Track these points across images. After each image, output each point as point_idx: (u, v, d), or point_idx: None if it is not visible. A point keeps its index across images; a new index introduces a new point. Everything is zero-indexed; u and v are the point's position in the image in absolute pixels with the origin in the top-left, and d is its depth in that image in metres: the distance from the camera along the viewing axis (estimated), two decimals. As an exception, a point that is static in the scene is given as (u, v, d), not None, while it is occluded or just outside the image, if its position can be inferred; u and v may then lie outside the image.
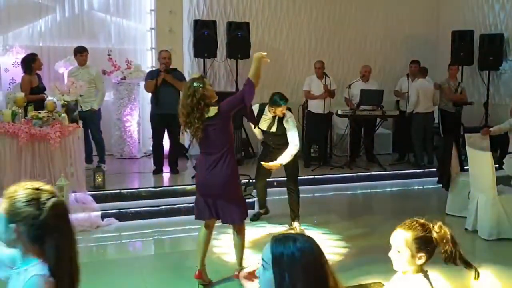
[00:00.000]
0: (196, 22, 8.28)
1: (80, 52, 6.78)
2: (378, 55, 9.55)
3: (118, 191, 5.93)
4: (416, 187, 7.91)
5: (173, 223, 5.70)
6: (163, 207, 5.76)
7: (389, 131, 9.35)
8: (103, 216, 5.47)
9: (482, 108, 8.83)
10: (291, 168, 5.39)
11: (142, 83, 8.04)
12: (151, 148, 8.33)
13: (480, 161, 5.16)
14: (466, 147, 5.57)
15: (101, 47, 8.13)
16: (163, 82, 6.56)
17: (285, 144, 5.18)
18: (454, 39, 9.06)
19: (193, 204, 5.78)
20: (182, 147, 7.58)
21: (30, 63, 6.53)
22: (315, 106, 8.01)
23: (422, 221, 2.21)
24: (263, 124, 5.33)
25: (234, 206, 3.96)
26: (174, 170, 6.89)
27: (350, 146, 8.27)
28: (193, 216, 5.70)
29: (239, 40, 8.36)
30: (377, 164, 8.21)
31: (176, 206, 5.81)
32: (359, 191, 7.61)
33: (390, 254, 2.20)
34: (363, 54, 9.51)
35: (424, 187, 7.93)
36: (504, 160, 6.06)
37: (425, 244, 2.14)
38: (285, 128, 5.14)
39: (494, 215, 5.03)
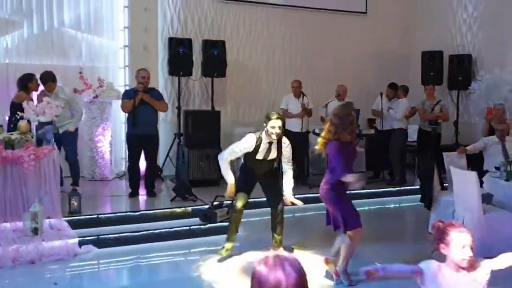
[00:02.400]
0: (171, 39, 8.15)
1: (52, 80, 6.43)
2: (351, 74, 9.62)
3: (95, 216, 5.65)
4: (392, 206, 7.95)
5: (154, 249, 5.45)
6: (144, 232, 5.51)
7: (362, 149, 9.41)
8: (81, 243, 5.18)
9: (452, 126, 9.03)
10: (277, 187, 5.27)
11: (115, 102, 7.83)
12: (123, 170, 8.16)
13: (464, 181, 5.21)
14: (450, 167, 5.62)
15: (71, 65, 7.86)
16: (141, 101, 6.36)
17: (270, 169, 5.16)
18: (424, 59, 9.28)
19: (175, 228, 5.67)
20: (158, 168, 7.35)
21: (26, 82, 6.24)
22: (293, 125, 7.97)
23: None
24: (260, 155, 5.12)
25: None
26: (151, 193, 6.66)
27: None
28: (175, 242, 5.61)
29: (215, 58, 8.27)
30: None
31: (157, 231, 5.57)
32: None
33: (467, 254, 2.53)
34: (337, 73, 9.58)
35: (400, 205, 7.99)
36: (483, 179, 6.15)
37: None
38: (281, 154, 5.01)
39: (480, 235, 5.05)
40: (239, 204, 5.04)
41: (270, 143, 5.00)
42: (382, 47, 10.07)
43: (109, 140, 7.74)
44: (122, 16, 8.08)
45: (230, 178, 4.99)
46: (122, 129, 8.22)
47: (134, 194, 6.59)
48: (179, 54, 8.03)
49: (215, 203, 6.19)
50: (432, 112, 8.31)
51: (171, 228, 5.64)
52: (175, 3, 8.52)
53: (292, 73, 9.45)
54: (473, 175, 5.09)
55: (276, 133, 4.96)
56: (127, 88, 7.82)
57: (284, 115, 8.09)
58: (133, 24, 7.78)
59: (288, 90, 9.32)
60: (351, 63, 9.81)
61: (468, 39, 9.16)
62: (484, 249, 5.05)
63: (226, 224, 5.86)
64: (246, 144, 4.95)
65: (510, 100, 7.83)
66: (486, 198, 5.65)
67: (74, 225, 5.40)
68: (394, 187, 8.17)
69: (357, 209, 7.37)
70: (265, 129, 4.92)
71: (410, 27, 10.19)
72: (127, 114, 7.27)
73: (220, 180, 7.90)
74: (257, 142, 4.96)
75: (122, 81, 8.12)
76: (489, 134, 7.13)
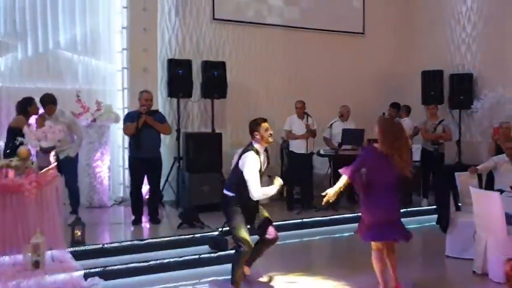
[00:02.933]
0: (170, 61, 7.96)
1: (53, 103, 6.15)
2: (351, 95, 9.50)
3: (100, 245, 5.33)
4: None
5: (163, 279, 5.16)
6: (152, 262, 5.21)
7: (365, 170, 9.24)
8: (86, 276, 4.85)
9: (455, 146, 8.95)
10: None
11: (113, 125, 7.59)
12: (121, 196, 7.86)
13: (487, 202, 5.05)
14: (470, 187, 5.46)
15: (67, 88, 7.59)
16: (143, 124, 6.12)
17: None
18: (425, 78, 9.23)
19: (184, 257, 5.38)
20: (161, 193, 7.07)
21: (26, 106, 5.96)
22: (297, 146, 7.80)
23: None
24: (262, 167, 4.86)
25: None
26: (155, 220, 6.37)
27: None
28: (185, 271, 5.33)
29: (215, 79, 8.10)
30: (358, 205, 8.04)
31: (165, 260, 5.27)
32: (345, 234, 7.33)
33: None
34: (336, 94, 9.48)
35: (407, 227, 7.78)
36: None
37: None
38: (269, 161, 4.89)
39: (505, 257, 4.88)
40: (249, 239, 4.72)
41: (266, 151, 4.81)
42: (381, 67, 10.02)
43: (107, 165, 7.45)
44: (120, 37, 7.87)
45: (272, 188, 4.68)
46: (120, 153, 7.96)
47: (137, 221, 6.29)
48: (178, 75, 7.85)
49: (224, 229, 5.92)
50: (435, 132, 8.22)
51: (180, 257, 5.35)
52: (172, 24, 8.36)
53: (292, 94, 9.29)
54: (496, 195, 4.94)
55: (272, 134, 4.76)
56: (126, 111, 7.57)
57: (288, 137, 7.99)
58: (132, 45, 7.57)
59: (288, 111, 9.17)
60: (351, 83, 9.72)
61: (468, 58, 9.15)
62: (510, 273, 4.89)
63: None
64: (255, 163, 4.60)
65: (513, 119, 7.77)
66: (506, 219, 5.49)
67: (77, 256, 5.07)
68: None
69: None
70: (257, 137, 4.68)
71: (408, 46, 10.17)
72: (127, 138, 7.06)
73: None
74: (258, 155, 4.70)
75: (120, 103, 7.87)
76: (496, 153, 7.03)
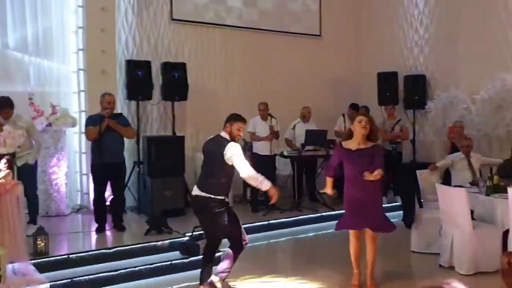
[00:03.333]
0: (129, 62, 7.73)
1: (10, 107, 5.73)
2: (309, 96, 9.58)
3: (65, 256, 5.06)
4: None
5: (134, 288, 4.99)
6: (123, 270, 5.01)
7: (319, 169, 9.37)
8: (52, 288, 4.60)
9: (410, 145, 9.22)
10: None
11: (69, 130, 7.28)
12: (78, 203, 7.55)
13: (453, 198, 5.21)
14: (436, 185, 5.62)
15: (18, 90, 7.15)
16: (107, 128, 5.89)
17: None
18: (380, 80, 9.46)
19: (156, 264, 5.22)
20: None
21: None
22: (262, 148, 7.77)
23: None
24: None
25: None
26: (120, 227, 6.13)
27: (297, 188, 8.08)
28: (158, 278, 5.16)
29: (176, 81, 7.93)
30: (321, 204, 8.14)
31: (136, 268, 5.08)
32: (310, 234, 7.37)
33: None
34: (294, 95, 9.54)
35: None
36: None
37: None
38: None
39: (471, 250, 5.07)
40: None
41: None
42: (338, 69, 10.19)
43: (64, 171, 7.11)
44: (74, 38, 7.54)
45: (266, 181, 4.43)
46: (77, 159, 7.63)
47: (101, 229, 6.03)
48: (137, 77, 7.63)
49: (194, 234, 5.80)
50: (393, 132, 8.44)
51: (152, 264, 5.17)
52: (129, 24, 8.12)
53: (252, 96, 9.26)
54: (462, 192, 5.11)
55: (240, 136, 4.69)
56: (84, 114, 7.28)
57: (252, 139, 7.94)
58: (89, 46, 7.27)
59: (248, 113, 9.08)
60: (309, 85, 9.81)
61: (421, 60, 9.46)
62: (475, 264, 5.10)
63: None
64: (239, 149, 4.47)
65: (466, 118, 8.10)
66: (468, 214, 5.70)
67: (41, 268, 4.80)
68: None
69: (330, 230, 7.45)
70: (227, 128, 4.55)
71: (364, 49, 10.40)
72: (85, 143, 6.80)
73: (186, 210, 7.54)
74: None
75: (76, 107, 7.54)
76: (452, 151, 7.30)
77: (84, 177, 7.42)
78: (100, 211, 6.07)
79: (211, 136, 4.72)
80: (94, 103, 7.19)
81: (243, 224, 6.40)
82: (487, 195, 5.49)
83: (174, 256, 5.50)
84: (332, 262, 5.91)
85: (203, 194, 4.44)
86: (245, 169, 4.37)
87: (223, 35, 9.10)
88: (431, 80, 9.21)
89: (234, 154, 4.38)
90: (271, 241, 6.94)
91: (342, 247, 6.41)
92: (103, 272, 4.93)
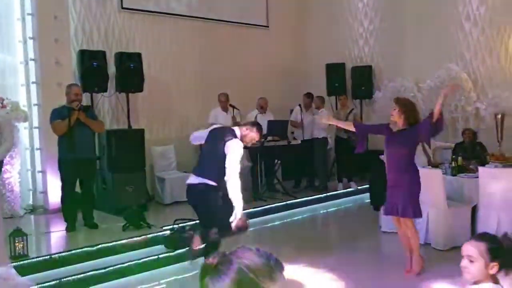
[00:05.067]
0: (83, 52, 7.32)
1: None
2: (261, 87, 9.64)
3: (47, 257, 4.72)
4: (321, 211, 8.14)
5: (122, 285, 4.77)
6: (111, 268, 4.77)
7: (277, 160, 9.49)
8: (39, 292, 4.29)
9: (358, 133, 9.59)
10: None
11: (22, 125, 6.77)
12: (31, 204, 7.08)
13: (429, 178, 5.51)
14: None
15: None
16: (75, 122, 5.54)
17: None
18: (329, 71, 9.75)
19: (143, 259, 5.03)
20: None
21: None
22: (223, 140, 7.69)
23: (491, 233, 2.41)
24: None
25: None
26: (92, 224, 5.81)
27: (260, 177, 8.12)
28: (148, 273, 4.98)
29: (132, 72, 7.63)
30: (281, 193, 8.26)
31: (125, 264, 4.87)
32: (277, 222, 7.46)
33: (462, 264, 2.31)
34: (247, 86, 9.56)
35: (328, 210, 8.22)
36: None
37: (497, 254, 2.25)
38: None
39: (447, 227, 5.42)
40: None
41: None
42: (287, 60, 10.35)
43: (18, 169, 6.60)
44: (21, 26, 6.99)
45: (240, 207, 4.32)
46: (28, 156, 7.11)
47: (72, 228, 5.68)
48: (93, 68, 7.25)
49: (175, 227, 5.65)
50: (347, 121, 8.74)
51: (140, 259, 4.98)
52: (78, 12, 7.68)
53: (204, 87, 9.19)
54: (438, 173, 5.43)
55: (254, 144, 4.70)
56: (36, 108, 6.80)
57: (213, 130, 7.84)
58: (41, 34, 6.76)
59: (201, 104, 9.08)
60: (259, 76, 9.86)
61: (366, 52, 9.87)
62: (450, 239, 5.45)
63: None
64: (240, 151, 4.40)
65: (413, 105, 8.58)
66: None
67: (22, 271, 4.45)
68: (322, 194, 8.38)
69: (296, 218, 7.61)
70: (242, 131, 4.51)
71: (311, 40, 10.62)
72: (39, 138, 6.36)
73: (147, 205, 7.31)
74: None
75: (23, 100, 6.99)
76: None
77: (39, 175, 6.92)
78: (70, 209, 5.71)
79: (220, 126, 4.63)
80: (48, 95, 6.77)
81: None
82: (453, 175, 5.87)
83: (158, 250, 5.33)
84: (307, 246, 6.04)
85: (206, 181, 4.34)
86: (233, 173, 4.27)
87: (174, 24, 8.89)
88: (377, 71, 9.65)
89: (233, 151, 4.31)
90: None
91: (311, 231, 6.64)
92: (90, 271, 4.66)
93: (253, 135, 4.53)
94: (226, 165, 4.27)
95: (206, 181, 4.37)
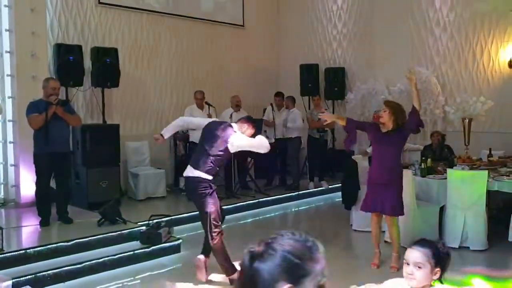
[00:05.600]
0: (59, 46, 7.25)
1: None
2: (235, 85, 9.73)
3: (22, 251, 4.70)
4: (293, 209, 8.29)
5: (97, 281, 4.77)
6: (87, 263, 4.78)
7: (250, 158, 9.60)
8: (15, 286, 4.27)
9: (330, 133, 9.79)
10: None
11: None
12: (2, 197, 6.98)
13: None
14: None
15: None
16: (52, 116, 5.50)
17: None
18: (302, 72, 9.91)
19: (119, 254, 5.05)
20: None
21: None
22: (198, 137, 7.71)
23: (430, 239, 2.47)
24: None
25: None
26: (66, 219, 5.78)
27: (234, 175, 8.21)
28: (122, 269, 5.00)
29: (108, 67, 7.60)
30: (253, 191, 8.37)
31: (100, 260, 4.89)
32: (249, 220, 7.57)
33: (408, 271, 2.34)
34: (221, 84, 9.65)
35: (300, 208, 8.38)
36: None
37: (439, 259, 2.35)
38: None
39: (415, 225, 5.63)
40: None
41: None
42: (260, 59, 10.47)
43: (-11, 162, 6.51)
44: (-5, 17, 6.88)
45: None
46: (0, 149, 7.01)
47: (47, 222, 5.64)
48: (69, 62, 7.19)
49: (150, 222, 5.69)
50: (319, 121, 8.90)
51: (115, 255, 5.01)
52: (54, 5, 7.60)
53: (179, 84, 9.24)
54: (408, 173, 5.63)
55: None
56: (11, 101, 6.71)
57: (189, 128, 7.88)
58: (18, 26, 6.66)
59: (176, 101, 9.12)
60: (233, 74, 9.97)
61: (339, 54, 10.07)
62: (420, 237, 5.66)
63: (169, 244, 5.49)
64: (244, 137, 4.60)
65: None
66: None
67: (-3, 265, 4.43)
68: (293, 192, 8.53)
69: (269, 215, 7.73)
70: (243, 129, 4.63)
71: (286, 41, 10.78)
72: (13, 131, 6.29)
73: (120, 200, 7.30)
74: None
75: (-2, 92, 6.90)
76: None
77: (12, 169, 6.84)
78: (44, 204, 5.67)
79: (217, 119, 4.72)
80: (23, 88, 6.69)
81: (186, 213, 6.52)
82: (423, 176, 6.09)
83: (132, 246, 5.37)
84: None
85: (201, 174, 4.43)
86: (261, 145, 4.50)
87: (150, 20, 8.88)
88: (349, 73, 9.86)
89: (238, 139, 4.47)
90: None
91: (280, 228, 6.66)
92: (66, 266, 4.67)
93: (251, 131, 4.65)
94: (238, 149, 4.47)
95: (201, 175, 4.43)
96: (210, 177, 4.45)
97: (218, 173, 4.73)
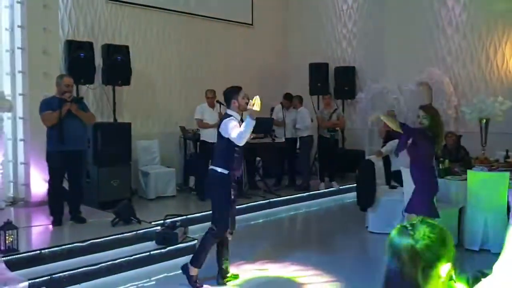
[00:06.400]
0: (70, 43, 7.16)
1: None
2: (242, 84, 9.54)
3: (38, 251, 4.60)
4: (304, 210, 8.20)
5: (113, 282, 4.69)
6: (103, 264, 4.69)
7: (258, 158, 9.52)
8: (32, 287, 4.18)
9: (339, 133, 9.71)
10: None
11: (6, 115, 6.57)
12: (12, 196, 6.89)
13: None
14: (401, 168, 6.00)
15: None
16: (66, 113, 5.41)
17: None
18: (312, 71, 9.82)
19: (135, 255, 4.96)
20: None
21: None
22: (210, 136, 7.63)
23: None
24: None
25: None
26: (79, 219, 5.69)
27: (243, 175, 8.10)
28: (137, 270, 4.90)
29: (119, 64, 7.51)
30: (262, 191, 8.29)
31: (117, 261, 4.80)
32: (260, 220, 7.48)
33: None
34: (230, 83, 9.48)
35: (311, 209, 8.29)
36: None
37: None
38: None
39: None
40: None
41: (241, 120, 4.60)
42: (269, 58, 10.41)
43: (1, 160, 6.40)
44: (7, 13, 6.77)
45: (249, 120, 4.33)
46: (9, 148, 6.90)
47: (59, 222, 5.54)
48: (80, 59, 7.11)
49: (166, 222, 5.60)
50: (330, 120, 8.84)
51: (131, 256, 4.92)
52: (65, 2, 7.51)
53: (188, 82, 9.16)
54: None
55: (247, 103, 4.54)
56: (21, 98, 6.62)
57: (200, 126, 7.82)
58: (30, 22, 6.56)
59: (185, 100, 9.04)
60: (242, 73, 9.85)
61: (349, 53, 9.99)
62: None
63: (185, 244, 5.40)
64: (236, 123, 4.43)
65: (396, 108, 8.75)
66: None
67: (12, 266, 4.33)
68: (304, 192, 8.45)
69: (279, 216, 7.64)
70: (234, 104, 4.57)
71: (295, 40, 10.71)
72: (23, 130, 6.21)
73: (132, 199, 7.23)
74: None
75: (9, 89, 6.78)
76: (386, 138, 7.86)
77: (22, 167, 6.74)
78: (57, 203, 5.57)
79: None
80: (34, 85, 6.60)
81: (198, 213, 6.43)
82: (441, 177, 6.00)
83: (147, 247, 5.27)
84: (294, 243, 6.09)
85: (215, 168, 4.42)
86: (238, 135, 4.32)
87: (160, 18, 8.81)
88: (359, 72, 9.78)
89: (226, 126, 4.38)
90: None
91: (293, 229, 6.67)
92: (81, 267, 4.57)
93: (239, 99, 4.56)
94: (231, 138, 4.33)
95: (215, 168, 4.42)
96: (226, 171, 4.48)
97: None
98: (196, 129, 8.07)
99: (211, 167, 4.51)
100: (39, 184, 6.60)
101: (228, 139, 4.37)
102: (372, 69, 9.55)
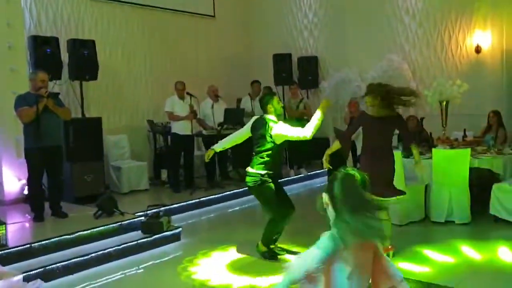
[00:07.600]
0: (35, 38, 7.05)
1: None
2: (207, 75, 9.72)
3: (27, 245, 4.60)
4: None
5: (103, 272, 4.75)
6: (93, 255, 4.74)
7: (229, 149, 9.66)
8: (25, 279, 4.19)
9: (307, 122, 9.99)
10: None
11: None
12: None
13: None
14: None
15: None
16: (43, 109, 5.38)
17: None
18: (276, 61, 10.04)
19: (123, 245, 5.04)
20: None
21: None
22: (181, 128, 7.74)
23: None
24: None
25: None
26: (61, 214, 5.67)
27: (218, 166, 8.26)
28: (126, 259, 4.98)
29: (85, 59, 7.45)
30: (235, 181, 8.44)
31: (106, 250, 4.86)
32: (237, 208, 7.63)
33: None
34: (194, 74, 9.63)
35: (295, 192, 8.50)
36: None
37: None
38: None
39: (404, 204, 5.89)
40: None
41: None
42: (232, 50, 10.53)
43: (-29, 159, 6.28)
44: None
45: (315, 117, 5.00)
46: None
47: (40, 217, 5.52)
48: (46, 54, 7.01)
49: (149, 212, 5.69)
50: (298, 110, 9.09)
51: (120, 245, 4.99)
52: (25, -4, 7.38)
53: (152, 75, 9.17)
54: (398, 155, 5.87)
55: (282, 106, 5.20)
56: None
57: (170, 118, 7.86)
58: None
59: (151, 93, 9.06)
60: (206, 65, 10.00)
61: (311, 43, 10.27)
62: (407, 215, 5.95)
63: (170, 232, 5.51)
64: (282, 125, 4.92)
65: (358, 95, 9.09)
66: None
67: (2, 260, 4.34)
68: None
69: (250, 204, 7.80)
70: (271, 109, 4.99)
71: (258, 31, 10.87)
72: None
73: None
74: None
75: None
76: (350, 123, 8.20)
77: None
78: (38, 199, 5.55)
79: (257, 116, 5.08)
80: (2, 81, 6.49)
81: (174, 204, 6.50)
82: (406, 157, 6.36)
83: (133, 236, 5.35)
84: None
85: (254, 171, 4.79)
86: (301, 133, 4.91)
87: (123, 11, 8.77)
88: (322, 61, 10.09)
89: (280, 129, 4.85)
90: (202, 217, 7.03)
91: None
92: (72, 258, 4.62)
93: (275, 104, 5.03)
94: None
95: (254, 171, 4.83)
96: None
97: None
98: (167, 122, 8.12)
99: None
100: (12, 182, 6.52)
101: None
102: (334, 58, 9.87)
